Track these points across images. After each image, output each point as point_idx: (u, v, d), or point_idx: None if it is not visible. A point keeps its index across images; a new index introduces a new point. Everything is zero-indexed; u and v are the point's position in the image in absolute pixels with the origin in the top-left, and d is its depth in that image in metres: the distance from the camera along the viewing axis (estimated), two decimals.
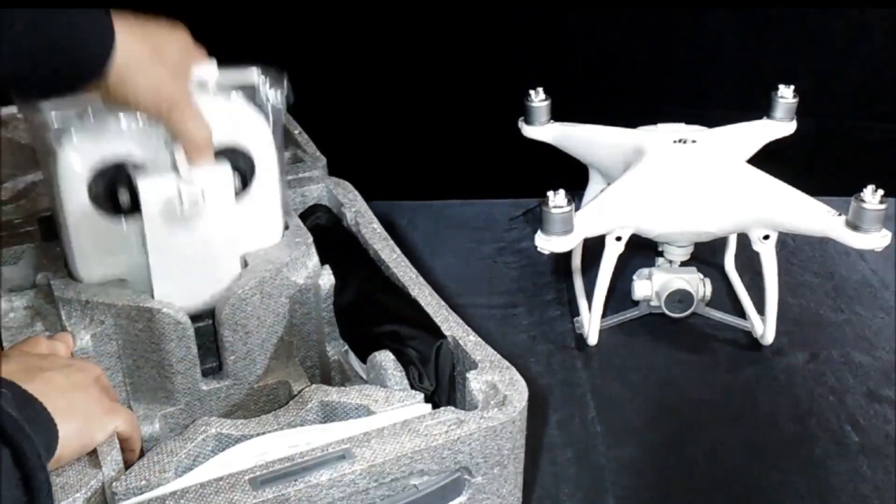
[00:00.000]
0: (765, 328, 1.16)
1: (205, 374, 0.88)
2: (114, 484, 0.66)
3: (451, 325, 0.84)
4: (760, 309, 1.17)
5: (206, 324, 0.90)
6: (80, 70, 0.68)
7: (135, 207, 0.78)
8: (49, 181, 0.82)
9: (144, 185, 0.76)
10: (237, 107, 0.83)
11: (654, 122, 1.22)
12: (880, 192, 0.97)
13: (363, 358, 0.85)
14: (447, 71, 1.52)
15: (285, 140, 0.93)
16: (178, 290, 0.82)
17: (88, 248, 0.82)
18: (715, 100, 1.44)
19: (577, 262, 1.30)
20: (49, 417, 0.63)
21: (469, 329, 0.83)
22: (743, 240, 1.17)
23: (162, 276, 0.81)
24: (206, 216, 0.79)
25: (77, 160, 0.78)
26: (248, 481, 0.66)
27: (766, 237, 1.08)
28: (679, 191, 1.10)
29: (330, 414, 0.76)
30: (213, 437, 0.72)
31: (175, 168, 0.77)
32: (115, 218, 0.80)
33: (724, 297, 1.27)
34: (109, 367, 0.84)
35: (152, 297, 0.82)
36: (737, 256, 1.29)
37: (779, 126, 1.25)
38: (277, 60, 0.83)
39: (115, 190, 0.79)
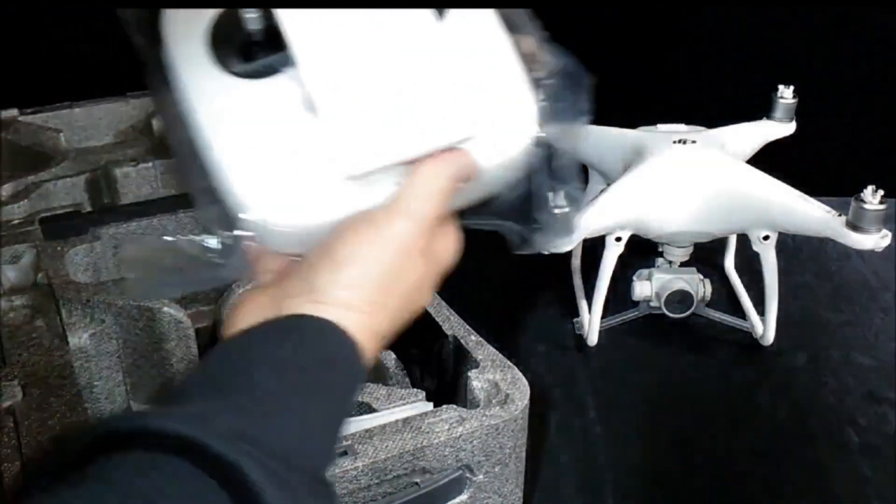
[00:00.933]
0: (765, 329, 1.16)
1: None
2: None
3: (452, 324, 0.84)
4: (760, 309, 1.17)
5: (207, 324, 0.90)
6: None
7: (275, 50, 0.53)
8: (160, 92, 0.55)
9: (284, 14, 0.52)
10: None
11: (654, 122, 1.22)
12: (880, 192, 0.98)
13: None
14: None
15: None
16: (368, 142, 0.51)
17: (243, 148, 0.53)
18: (715, 100, 1.44)
19: (577, 262, 1.30)
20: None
21: (470, 329, 0.83)
22: (743, 240, 1.17)
23: (340, 128, 0.51)
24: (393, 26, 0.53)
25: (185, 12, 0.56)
26: None
27: (766, 237, 1.08)
28: (679, 191, 1.10)
29: None
30: None
31: None
32: (258, 80, 0.54)
33: (724, 297, 1.27)
34: (109, 366, 0.84)
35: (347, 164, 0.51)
36: (737, 256, 1.30)
37: (779, 126, 1.25)
38: None
39: (247, 33, 0.54)
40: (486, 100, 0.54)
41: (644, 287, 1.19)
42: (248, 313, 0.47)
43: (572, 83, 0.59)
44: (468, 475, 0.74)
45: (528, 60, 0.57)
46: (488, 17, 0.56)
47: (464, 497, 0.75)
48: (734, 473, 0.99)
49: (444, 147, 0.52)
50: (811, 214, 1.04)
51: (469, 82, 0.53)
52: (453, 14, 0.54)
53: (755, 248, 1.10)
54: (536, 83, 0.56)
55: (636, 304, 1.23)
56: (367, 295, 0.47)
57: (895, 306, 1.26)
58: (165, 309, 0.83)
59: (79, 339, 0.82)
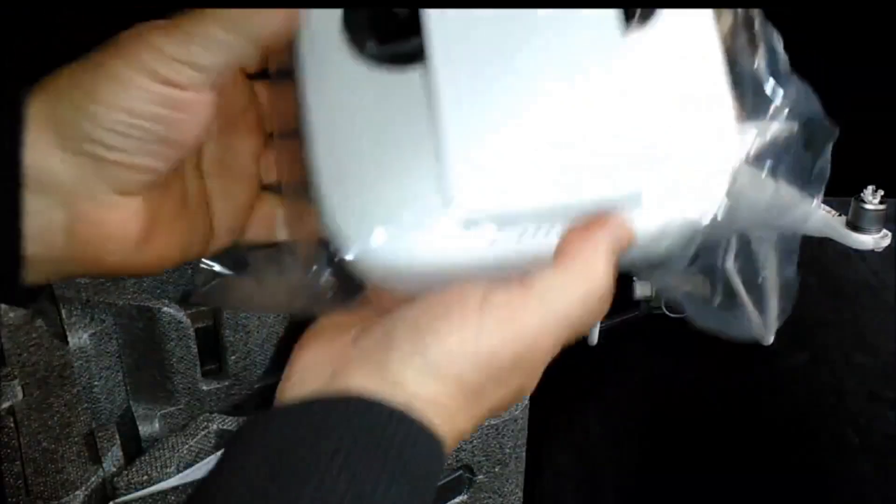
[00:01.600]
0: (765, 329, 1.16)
1: (205, 374, 0.88)
2: (115, 479, 0.66)
3: None
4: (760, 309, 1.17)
5: (207, 324, 0.90)
6: None
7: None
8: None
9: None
10: None
11: None
12: (880, 192, 0.98)
13: None
14: None
15: None
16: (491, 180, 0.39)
17: (352, 153, 0.42)
18: None
19: None
20: None
21: None
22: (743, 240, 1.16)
23: (463, 157, 0.39)
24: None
25: None
26: None
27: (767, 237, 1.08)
28: None
29: None
30: (214, 433, 0.72)
31: None
32: (392, 69, 0.42)
33: (724, 297, 1.26)
34: (109, 367, 0.84)
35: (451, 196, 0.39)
36: (737, 256, 1.29)
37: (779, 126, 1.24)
38: None
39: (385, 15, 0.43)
40: (669, 144, 0.41)
41: (644, 287, 1.19)
42: (310, 363, 0.39)
43: (806, 132, 0.43)
44: (468, 475, 0.74)
45: (744, 93, 0.42)
46: (703, 21, 0.43)
47: (464, 497, 0.75)
48: (734, 473, 0.99)
49: (601, 203, 0.40)
50: (811, 214, 1.04)
51: (653, 114, 0.41)
52: (654, 16, 0.41)
53: (755, 248, 1.10)
54: (750, 125, 0.42)
55: (636, 304, 1.23)
56: (452, 389, 0.37)
57: (895, 306, 1.26)
58: (165, 309, 0.82)
59: (79, 339, 0.82)
